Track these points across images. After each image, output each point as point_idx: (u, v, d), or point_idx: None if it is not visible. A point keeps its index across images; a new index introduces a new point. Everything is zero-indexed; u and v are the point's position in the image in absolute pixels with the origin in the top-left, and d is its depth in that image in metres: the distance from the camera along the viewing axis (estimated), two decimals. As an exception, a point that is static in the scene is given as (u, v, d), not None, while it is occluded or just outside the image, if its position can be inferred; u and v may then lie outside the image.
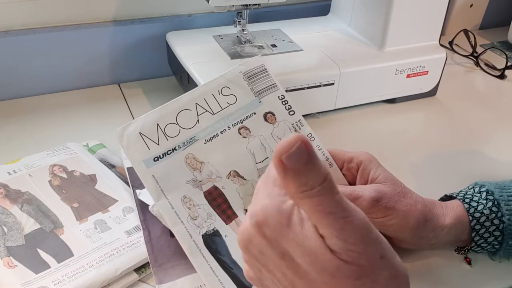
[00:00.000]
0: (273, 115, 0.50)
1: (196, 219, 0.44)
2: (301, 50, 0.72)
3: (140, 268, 0.47)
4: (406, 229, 0.46)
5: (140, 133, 0.46)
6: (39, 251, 0.47)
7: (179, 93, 0.75)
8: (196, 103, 0.49)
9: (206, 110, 0.49)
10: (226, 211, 0.46)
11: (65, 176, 0.56)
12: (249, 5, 0.67)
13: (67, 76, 0.76)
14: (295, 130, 0.51)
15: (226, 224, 0.45)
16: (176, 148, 0.47)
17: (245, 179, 0.48)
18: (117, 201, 0.54)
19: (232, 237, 0.45)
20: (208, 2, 0.63)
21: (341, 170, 0.51)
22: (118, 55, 0.78)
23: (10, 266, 0.45)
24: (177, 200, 0.45)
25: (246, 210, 0.47)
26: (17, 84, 0.73)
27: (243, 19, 0.71)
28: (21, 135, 0.67)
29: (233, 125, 0.49)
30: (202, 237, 0.44)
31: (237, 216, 0.46)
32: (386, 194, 0.45)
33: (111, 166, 0.59)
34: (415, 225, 0.46)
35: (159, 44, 0.78)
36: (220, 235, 0.45)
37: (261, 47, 0.72)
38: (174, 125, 0.47)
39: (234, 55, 0.69)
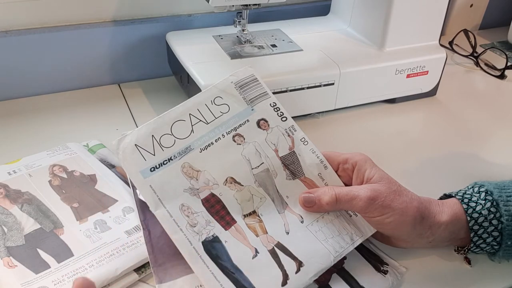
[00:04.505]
0: (266, 121, 0.51)
1: (195, 226, 0.45)
2: (301, 50, 0.72)
3: (140, 268, 0.47)
4: (403, 227, 0.46)
5: (135, 145, 0.47)
6: (39, 251, 0.47)
7: (179, 93, 0.76)
8: (189, 114, 0.50)
9: (200, 120, 0.50)
10: (224, 217, 0.46)
11: (65, 176, 0.56)
12: (249, 5, 0.67)
13: (67, 76, 0.76)
14: (288, 136, 0.52)
15: (226, 230, 0.46)
16: (172, 158, 0.47)
17: (242, 185, 0.48)
18: (117, 201, 0.54)
19: (232, 243, 0.45)
20: (208, 2, 0.63)
21: (336, 171, 0.51)
22: (118, 55, 0.78)
23: (10, 266, 0.45)
24: (175, 208, 0.45)
25: (244, 216, 0.47)
26: (17, 84, 0.74)
27: (243, 19, 0.71)
28: (21, 135, 0.67)
29: (227, 133, 0.50)
30: (202, 244, 0.44)
31: (236, 222, 0.47)
32: (382, 192, 0.46)
33: (111, 166, 0.59)
34: (411, 223, 0.46)
35: (159, 44, 0.78)
36: (220, 241, 0.45)
37: (261, 47, 0.72)
38: (169, 135, 0.48)
39: (234, 55, 0.69)
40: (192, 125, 0.49)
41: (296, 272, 0.44)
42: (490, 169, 0.64)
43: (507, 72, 0.87)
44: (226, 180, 0.48)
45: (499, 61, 0.90)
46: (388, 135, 0.71)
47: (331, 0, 0.83)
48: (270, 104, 0.52)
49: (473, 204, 0.48)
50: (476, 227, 0.48)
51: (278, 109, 0.52)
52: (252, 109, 0.52)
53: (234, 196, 0.48)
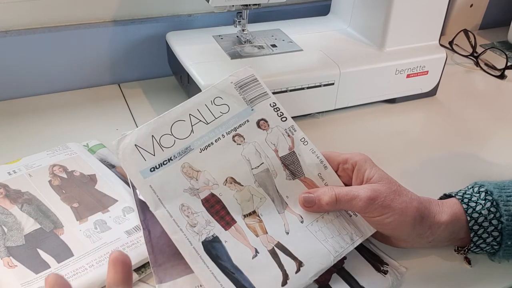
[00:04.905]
0: (266, 121, 0.51)
1: (195, 226, 0.45)
2: (301, 50, 0.72)
3: (140, 268, 0.47)
4: (403, 227, 0.46)
5: (135, 145, 0.47)
6: (39, 251, 0.47)
7: (179, 93, 0.76)
8: (189, 114, 0.50)
9: (200, 120, 0.50)
10: (224, 217, 0.46)
11: (65, 176, 0.56)
12: (249, 5, 0.67)
13: (67, 76, 0.76)
14: (288, 136, 0.52)
15: (226, 230, 0.46)
16: (172, 158, 0.48)
17: (242, 185, 0.48)
18: (117, 201, 0.54)
19: (232, 243, 0.45)
20: (208, 2, 0.63)
21: (336, 171, 0.51)
22: (118, 55, 0.78)
23: (10, 266, 0.45)
24: (175, 208, 0.45)
25: (244, 216, 0.47)
26: (17, 84, 0.74)
27: (243, 19, 0.71)
28: (21, 135, 0.67)
29: (227, 133, 0.50)
30: (202, 244, 0.44)
31: (236, 222, 0.47)
32: (382, 192, 0.46)
33: (111, 166, 0.59)
34: (411, 223, 0.46)
35: (159, 44, 0.78)
36: (220, 241, 0.45)
37: (261, 47, 0.72)
38: (169, 136, 0.48)
39: (234, 55, 0.69)
40: (192, 125, 0.50)
41: (296, 272, 0.44)
42: (490, 169, 0.64)
43: (507, 72, 0.87)
44: (226, 180, 0.48)
45: (499, 61, 0.90)
46: (388, 135, 0.71)
47: (331, 0, 0.83)
48: (270, 104, 0.53)
49: (473, 204, 0.48)
50: (476, 227, 0.48)
51: (278, 109, 0.52)
52: (252, 109, 0.52)
53: (234, 196, 0.48)
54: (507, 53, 0.94)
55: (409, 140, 0.70)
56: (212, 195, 0.47)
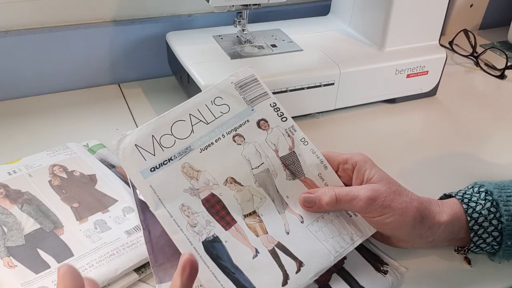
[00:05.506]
0: (266, 122, 0.51)
1: (195, 226, 0.45)
2: (301, 50, 0.72)
3: (140, 268, 0.47)
4: (403, 227, 0.46)
5: (135, 145, 0.47)
6: (39, 251, 0.47)
7: (179, 93, 0.76)
8: (190, 114, 0.50)
9: (200, 120, 0.50)
10: (225, 217, 0.46)
11: (65, 176, 0.56)
12: (249, 5, 0.67)
13: (67, 76, 0.76)
14: (288, 136, 0.52)
15: (226, 230, 0.46)
16: (172, 158, 0.48)
17: (242, 185, 0.48)
18: (117, 201, 0.54)
19: (232, 243, 0.45)
20: (208, 2, 0.63)
21: (336, 171, 0.51)
22: (118, 55, 0.78)
23: (10, 266, 0.45)
24: (175, 208, 0.45)
25: (245, 216, 0.47)
26: (17, 84, 0.74)
27: (243, 19, 0.71)
28: (21, 135, 0.67)
29: (228, 133, 0.50)
30: (202, 244, 0.44)
31: (236, 222, 0.47)
32: (382, 193, 0.46)
33: (111, 166, 0.59)
34: (411, 223, 0.46)
35: (159, 44, 0.78)
36: (220, 241, 0.45)
37: (261, 47, 0.72)
38: (169, 136, 0.48)
39: (234, 55, 0.69)
40: (192, 125, 0.50)
41: (297, 272, 0.44)
42: (490, 169, 0.64)
43: (507, 72, 0.87)
44: (226, 180, 0.48)
45: (499, 61, 0.90)
46: (388, 135, 0.71)
47: (331, 0, 0.83)
48: (270, 104, 0.53)
49: (473, 204, 0.48)
50: (476, 227, 0.48)
51: (278, 109, 0.52)
52: (252, 109, 0.52)
53: (234, 196, 0.48)
54: (507, 53, 0.95)
55: (409, 140, 0.70)
56: (213, 195, 0.47)
